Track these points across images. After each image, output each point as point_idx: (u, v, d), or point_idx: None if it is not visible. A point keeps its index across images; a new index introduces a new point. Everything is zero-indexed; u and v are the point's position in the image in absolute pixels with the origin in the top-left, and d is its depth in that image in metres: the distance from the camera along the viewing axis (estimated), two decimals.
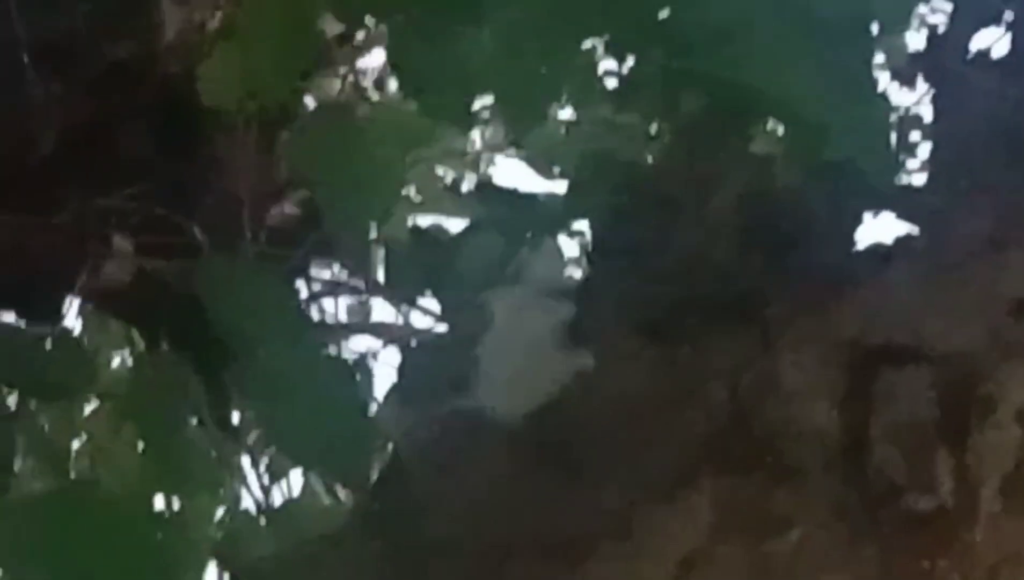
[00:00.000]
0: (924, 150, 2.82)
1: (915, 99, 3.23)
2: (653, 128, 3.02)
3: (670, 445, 1.89)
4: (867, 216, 2.12)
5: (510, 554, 1.75)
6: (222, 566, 3.14)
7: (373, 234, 2.89)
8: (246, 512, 3.60)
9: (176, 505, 3.28)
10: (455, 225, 3.33)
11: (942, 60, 2.27)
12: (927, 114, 2.83)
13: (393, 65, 2.79)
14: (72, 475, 3.53)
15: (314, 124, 2.64)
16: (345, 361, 2.79)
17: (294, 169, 3.08)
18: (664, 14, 2.24)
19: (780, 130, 2.34)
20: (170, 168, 3.20)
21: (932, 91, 2.30)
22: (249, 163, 3.09)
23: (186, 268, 2.90)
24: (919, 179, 2.30)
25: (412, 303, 3.20)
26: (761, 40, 2.13)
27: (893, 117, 2.59)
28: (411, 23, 2.54)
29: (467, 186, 4.03)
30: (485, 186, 3.51)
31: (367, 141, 2.53)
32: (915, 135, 3.13)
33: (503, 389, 2.04)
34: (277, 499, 3.56)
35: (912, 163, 2.73)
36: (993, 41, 2.28)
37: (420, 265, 2.62)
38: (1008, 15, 2.29)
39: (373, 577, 1.75)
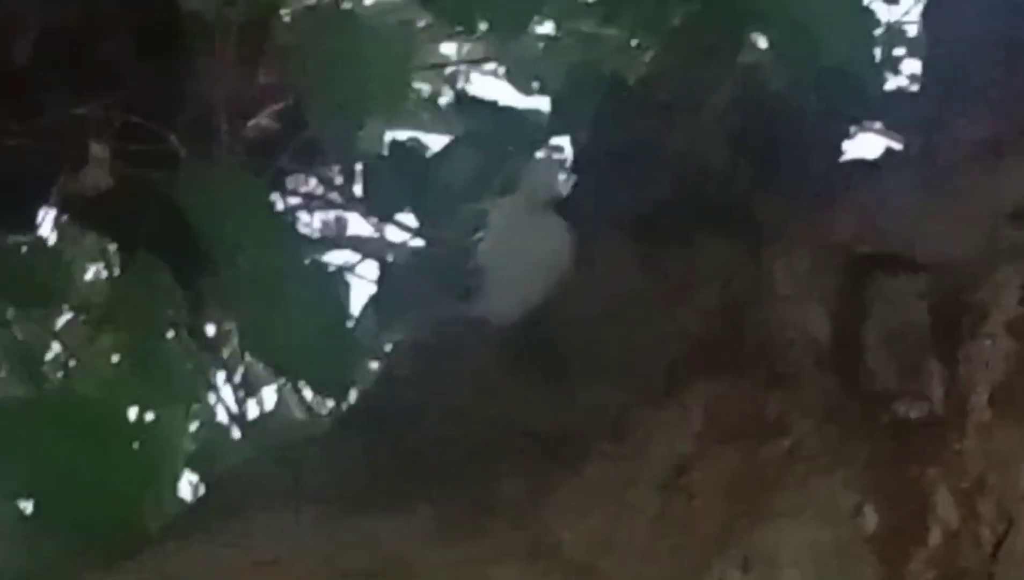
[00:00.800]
0: (908, 64, 2.81)
1: (899, 15, 3.20)
2: (635, 41, 2.99)
3: (662, 347, 1.87)
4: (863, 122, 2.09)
5: (503, 453, 1.72)
6: (197, 475, 3.13)
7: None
8: (220, 424, 3.59)
9: (150, 416, 3.25)
10: (433, 140, 3.31)
11: None
12: (911, 29, 2.82)
13: None
14: (47, 383, 3.51)
15: (308, 28, 2.58)
16: (327, 268, 2.76)
17: (280, 74, 3.05)
18: None
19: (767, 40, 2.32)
20: (149, 76, 3.15)
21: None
22: (228, 71, 3.05)
23: (164, 177, 2.87)
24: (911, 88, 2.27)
25: (390, 218, 3.17)
26: None
27: (878, 30, 2.58)
28: None
29: (445, 101, 3.99)
30: (465, 100, 3.47)
31: (366, 46, 2.49)
32: (899, 50, 3.10)
33: (498, 296, 2.02)
34: (252, 413, 3.54)
35: (902, 73, 2.70)
36: None
37: (400, 180, 2.60)
38: None
39: (358, 476, 1.72)
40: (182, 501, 2.81)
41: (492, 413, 1.83)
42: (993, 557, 1.74)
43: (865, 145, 2.11)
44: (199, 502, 2.07)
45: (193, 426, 3.55)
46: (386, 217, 2.99)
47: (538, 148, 2.84)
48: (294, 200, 3.70)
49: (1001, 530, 1.76)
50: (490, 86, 4.07)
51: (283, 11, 3.09)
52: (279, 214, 3.02)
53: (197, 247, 2.62)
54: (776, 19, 2.14)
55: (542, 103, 3.22)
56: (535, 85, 3.61)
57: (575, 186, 2.20)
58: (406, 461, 1.74)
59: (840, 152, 2.09)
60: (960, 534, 1.74)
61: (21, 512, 2.57)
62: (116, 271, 3.49)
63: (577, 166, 2.22)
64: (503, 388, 1.87)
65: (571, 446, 1.72)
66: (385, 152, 2.89)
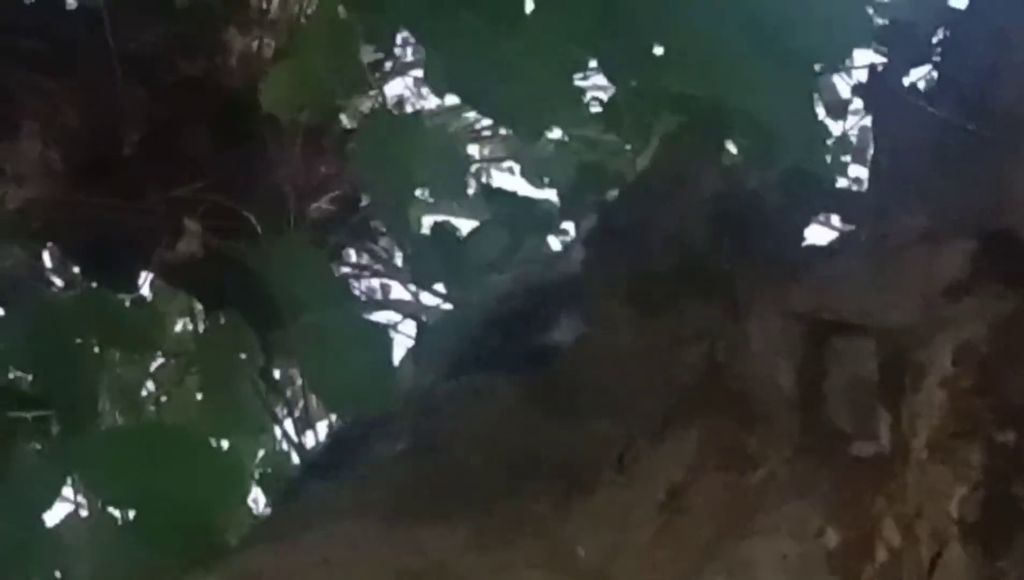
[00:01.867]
0: (851, 169, 2.80)
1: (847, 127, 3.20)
2: (628, 146, 2.98)
3: (658, 393, 1.84)
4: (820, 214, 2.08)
5: (527, 478, 1.69)
6: (264, 492, 3.12)
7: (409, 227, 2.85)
8: (283, 451, 3.58)
9: (226, 443, 3.24)
10: (462, 224, 3.31)
11: (881, 89, 2.23)
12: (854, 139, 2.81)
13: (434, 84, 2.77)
14: (143, 415, 3.50)
15: (374, 132, 2.57)
16: (376, 324, 2.74)
17: (338, 166, 3.05)
18: (658, 50, 2.19)
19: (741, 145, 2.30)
20: (232, 166, 3.16)
21: (869, 116, 2.27)
22: (297, 163, 3.06)
23: (244, 248, 2.87)
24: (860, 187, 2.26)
25: (428, 288, 3.16)
26: (733, 66, 2.09)
27: (830, 141, 2.58)
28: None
29: (471, 191, 3.98)
30: (490, 190, 3.47)
31: (423, 144, 2.48)
32: (846, 157, 3.10)
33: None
34: (309, 442, 3.54)
35: (852, 173, 2.70)
36: (922, 76, 2.25)
37: (437, 256, 2.59)
38: (935, 56, 2.27)
39: (406, 494, 1.69)
40: (253, 514, 2.79)
41: (517, 444, 1.79)
42: (929, 574, 1.71)
43: (823, 234, 2.08)
44: (274, 515, 2.03)
45: (260, 452, 3.54)
46: (424, 286, 2.97)
47: (550, 231, 2.83)
48: (348, 269, 3.69)
49: (935, 550, 1.74)
50: (506, 180, 4.07)
51: (342, 115, 3.08)
52: (336, 280, 3.00)
53: (269, 305, 2.60)
54: (748, 130, 2.11)
55: (551, 194, 3.22)
56: (545, 180, 3.61)
57: (584, 261, 2.17)
58: (446, 484, 1.70)
59: (802, 237, 2.07)
60: (902, 553, 1.72)
61: (122, 521, 2.56)
62: (201, 324, 3.48)
63: (585, 244, 2.19)
64: (526, 424, 1.84)
65: (584, 473, 1.69)
66: (425, 232, 2.88)
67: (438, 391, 1.97)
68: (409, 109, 4.28)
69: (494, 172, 4.45)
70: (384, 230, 3.25)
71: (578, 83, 2.90)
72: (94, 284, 3.27)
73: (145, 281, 3.46)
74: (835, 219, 2.25)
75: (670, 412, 1.77)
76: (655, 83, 2.24)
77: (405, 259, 3.16)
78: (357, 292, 3.94)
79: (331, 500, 1.74)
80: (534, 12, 2.41)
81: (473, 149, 4.30)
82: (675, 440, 1.71)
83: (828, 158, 2.66)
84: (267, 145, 3.16)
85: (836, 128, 3.28)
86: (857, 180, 3.08)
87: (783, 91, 2.11)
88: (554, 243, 3.14)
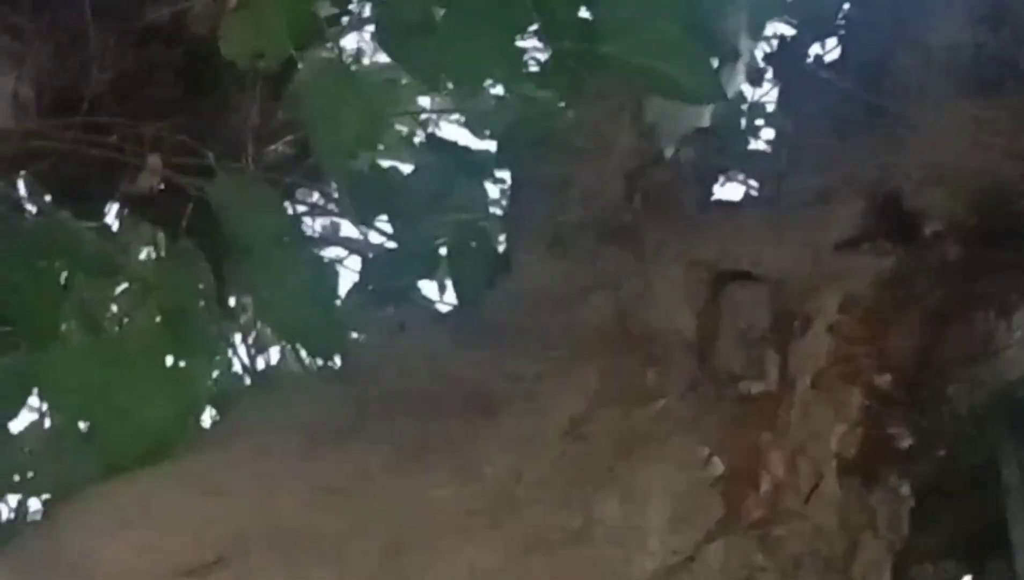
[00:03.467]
0: (766, 132, 2.81)
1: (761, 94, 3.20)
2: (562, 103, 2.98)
3: (568, 332, 1.86)
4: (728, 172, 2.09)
5: (442, 405, 1.71)
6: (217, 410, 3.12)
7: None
8: (235, 374, 3.58)
9: (183, 364, 3.23)
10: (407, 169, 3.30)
11: (789, 59, 2.25)
12: (769, 105, 2.82)
13: (380, 43, 2.76)
14: (105, 335, 3.49)
15: (314, 80, 2.56)
16: (323, 260, 2.74)
17: (292, 115, 3.04)
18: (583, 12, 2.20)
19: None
20: (195, 109, 3.15)
21: (778, 85, 2.28)
22: (254, 108, 3.05)
23: (203, 184, 2.86)
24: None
25: (370, 223, 3.16)
26: (656, 34, 2.10)
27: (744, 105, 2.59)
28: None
29: (418, 140, 3.98)
30: (432, 138, 3.48)
31: (356, 96, 2.47)
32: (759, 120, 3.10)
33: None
34: (260, 366, 3.54)
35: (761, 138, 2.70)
36: (829, 48, 2.27)
37: (378, 195, 2.60)
38: (840, 30, 2.28)
39: (335, 416, 1.71)
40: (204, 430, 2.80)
41: (436, 374, 1.81)
42: (807, 502, 1.74)
43: (729, 190, 2.10)
44: (213, 426, 2.05)
45: (215, 374, 3.53)
46: (367, 222, 2.97)
47: (486, 178, 2.84)
48: (301, 208, 3.69)
49: (814, 482, 1.77)
50: (454, 131, 4.06)
51: (300, 65, 3.07)
52: (287, 217, 3.00)
53: (225, 238, 2.61)
54: (664, 91, 2.12)
55: (491, 145, 3.21)
56: (487, 132, 3.61)
57: (509, 208, 2.19)
58: (370, 406, 1.72)
59: (710, 193, 2.08)
60: (784, 483, 1.75)
61: (80, 432, 2.56)
62: (163, 253, 3.47)
63: (512, 194, 2.21)
64: (446, 357, 1.86)
65: (496, 402, 1.71)
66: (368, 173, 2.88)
67: (369, 321, 1.99)
68: (366, 62, 4.27)
69: (443, 123, 4.44)
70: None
71: (518, 44, 2.90)
72: (64, 213, 3.26)
73: (111, 211, 3.44)
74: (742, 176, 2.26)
75: (577, 349, 1.79)
76: (585, 46, 2.24)
77: (345, 196, 3.16)
78: (309, 230, 3.94)
79: (263, 414, 1.76)
80: None
81: (424, 101, 4.29)
82: (578, 375, 1.73)
83: (743, 121, 2.67)
84: (228, 91, 3.15)
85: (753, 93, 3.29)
86: (769, 142, 3.08)
87: (694, 52, 2.12)
88: (492, 190, 3.13)
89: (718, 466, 1.65)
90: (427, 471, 1.60)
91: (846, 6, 2.32)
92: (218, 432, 1.80)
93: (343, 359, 2.11)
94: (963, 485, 2.04)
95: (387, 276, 2.64)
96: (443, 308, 2.38)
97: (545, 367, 1.75)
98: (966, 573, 2.07)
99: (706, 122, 2.27)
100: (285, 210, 3.02)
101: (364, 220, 2.94)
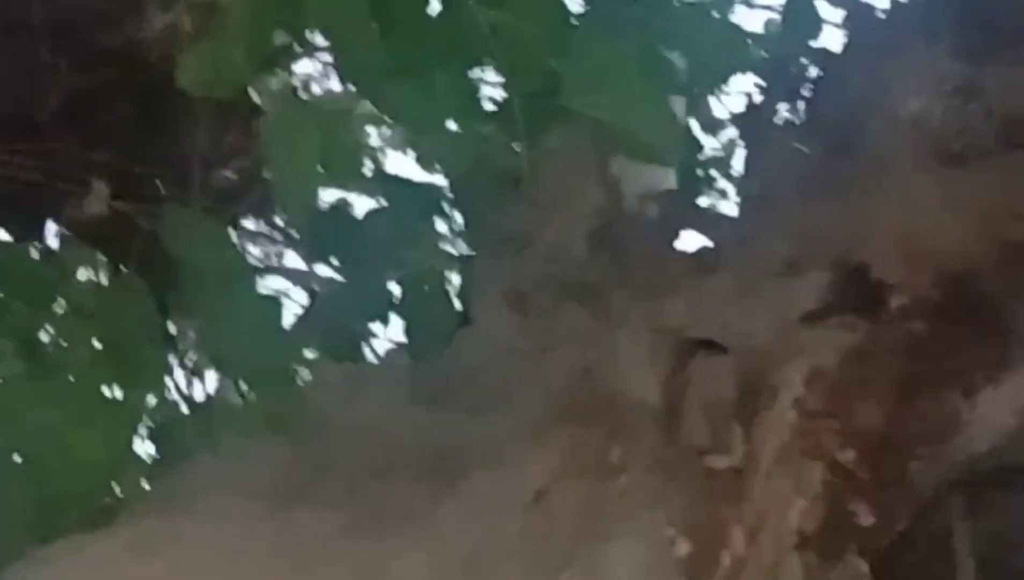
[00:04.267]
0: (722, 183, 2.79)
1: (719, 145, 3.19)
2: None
3: (531, 395, 1.83)
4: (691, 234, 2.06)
5: (402, 468, 1.67)
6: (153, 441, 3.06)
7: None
8: (174, 403, 3.52)
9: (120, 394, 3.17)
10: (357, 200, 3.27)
11: (756, 121, 2.23)
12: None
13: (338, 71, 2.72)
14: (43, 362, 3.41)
15: (275, 112, 2.51)
16: (271, 297, 2.69)
17: (244, 141, 2.99)
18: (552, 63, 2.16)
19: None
20: (144, 134, 3.10)
21: (744, 147, 2.26)
22: (206, 136, 3.01)
23: (149, 211, 2.81)
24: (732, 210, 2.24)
25: (323, 261, 3.11)
26: (624, 93, 2.07)
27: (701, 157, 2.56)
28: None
29: (367, 171, 3.93)
30: (383, 175, 3.44)
31: (317, 128, 2.42)
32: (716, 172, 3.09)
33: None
34: (199, 396, 3.48)
35: (725, 198, 2.68)
36: (794, 110, 2.25)
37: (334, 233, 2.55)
38: (806, 92, 2.26)
39: (287, 476, 1.66)
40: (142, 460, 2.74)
41: (396, 435, 1.77)
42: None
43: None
44: (169, 482, 1.98)
45: (152, 401, 3.47)
46: (319, 260, 2.92)
47: (438, 216, 2.78)
48: (247, 238, 3.64)
49: (776, 558, 1.74)
50: (402, 163, 4.02)
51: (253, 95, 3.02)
52: (233, 249, 2.94)
53: (168, 266, 2.56)
54: (631, 150, 2.09)
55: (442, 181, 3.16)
56: (437, 168, 3.56)
57: (470, 263, 2.15)
58: (329, 469, 1.67)
59: (674, 254, 2.05)
60: (746, 559, 1.72)
61: (14, 463, 2.50)
62: (104, 279, 3.41)
63: (471, 246, 2.17)
64: (406, 416, 1.82)
65: (458, 467, 1.67)
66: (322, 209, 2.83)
67: (325, 376, 1.94)
68: (316, 89, 4.22)
69: (392, 154, 4.40)
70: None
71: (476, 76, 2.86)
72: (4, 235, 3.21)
73: (52, 234, 3.38)
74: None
75: (541, 415, 1.75)
76: (548, 95, 2.21)
77: (301, 236, 3.10)
78: (252, 258, 3.88)
79: (220, 475, 1.71)
80: (438, 17, 2.38)
81: (373, 131, 4.25)
82: (543, 444, 1.69)
83: (700, 172, 2.64)
84: (179, 117, 3.10)
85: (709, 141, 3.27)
86: (723, 193, 3.07)
87: (663, 114, 2.09)
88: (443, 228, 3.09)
89: (682, 545, 1.61)
90: (387, 539, 1.55)
91: (813, 70, 2.30)
92: (168, 494, 1.74)
93: (296, 416, 2.06)
94: (916, 558, 2.02)
95: (337, 316, 2.58)
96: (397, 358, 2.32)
97: (509, 431, 1.71)
98: None
99: (672, 181, 2.24)
100: (233, 245, 2.96)
101: (318, 258, 2.88)
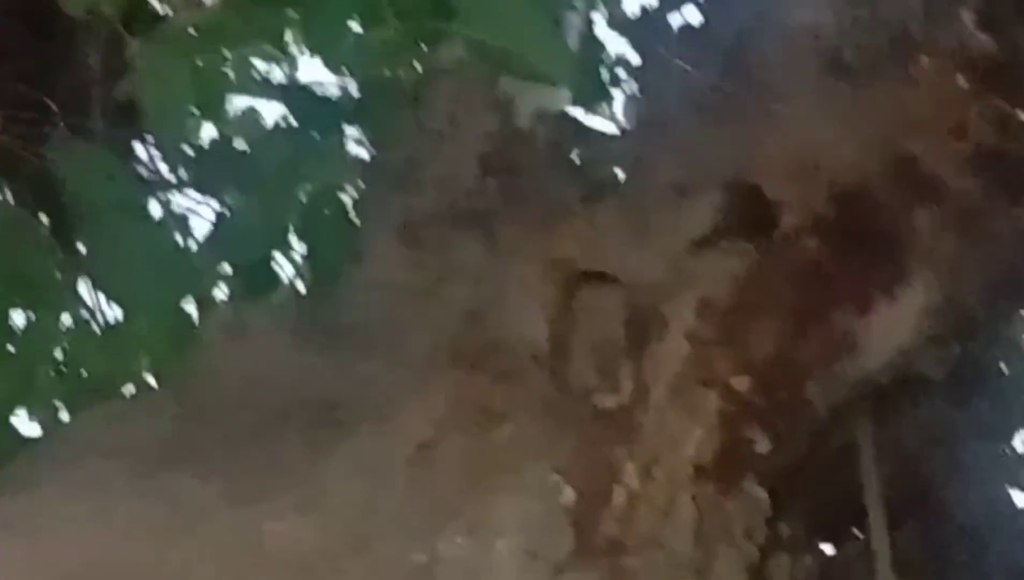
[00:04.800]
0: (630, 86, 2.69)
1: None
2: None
3: (419, 339, 1.78)
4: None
5: (285, 421, 1.62)
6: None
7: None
8: (87, 326, 3.43)
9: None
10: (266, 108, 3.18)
11: (649, 34, 2.17)
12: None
13: None
14: None
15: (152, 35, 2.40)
16: (164, 229, 2.60)
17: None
18: None
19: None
20: (34, 58, 3.00)
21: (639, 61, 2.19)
22: (97, 60, 2.91)
23: (43, 135, 2.72)
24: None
25: (214, 195, 3.02)
26: (511, 15, 1.99)
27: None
28: None
29: (277, 78, 3.81)
30: (290, 84, 3.34)
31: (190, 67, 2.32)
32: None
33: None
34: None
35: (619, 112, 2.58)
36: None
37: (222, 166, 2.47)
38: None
39: (168, 435, 1.61)
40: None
41: (281, 384, 1.72)
42: (666, 514, 1.68)
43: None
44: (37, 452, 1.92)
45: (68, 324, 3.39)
46: (210, 194, 2.85)
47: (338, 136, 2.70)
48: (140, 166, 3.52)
49: (672, 491, 1.71)
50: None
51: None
52: (132, 186, 2.86)
53: (62, 196, 2.48)
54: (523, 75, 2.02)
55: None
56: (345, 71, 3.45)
57: (361, 194, 2.09)
58: (205, 428, 1.62)
59: (569, 180, 1.99)
60: (640, 495, 1.69)
61: None
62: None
63: (364, 177, 2.11)
64: (292, 362, 1.77)
65: (344, 420, 1.62)
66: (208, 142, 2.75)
67: (206, 323, 1.88)
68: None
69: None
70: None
71: None
72: None
73: None
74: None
75: (429, 360, 1.70)
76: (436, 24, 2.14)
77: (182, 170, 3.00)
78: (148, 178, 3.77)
79: (95, 437, 1.66)
80: None
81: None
82: (427, 395, 1.64)
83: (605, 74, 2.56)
84: (69, 41, 3.00)
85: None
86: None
87: (549, 34, 2.02)
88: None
89: (569, 493, 1.58)
90: (267, 502, 1.50)
91: None
92: (36, 465, 1.68)
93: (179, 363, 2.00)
94: (819, 474, 2.00)
95: (235, 248, 2.51)
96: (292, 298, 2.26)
97: (397, 376, 1.67)
98: (824, 561, 2.04)
99: (566, 100, 2.17)
100: (129, 180, 2.87)
101: (207, 192, 2.80)
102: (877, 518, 2.04)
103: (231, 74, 3.12)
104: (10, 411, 2.52)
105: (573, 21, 2.30)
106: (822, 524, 2.08)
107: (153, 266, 2.34)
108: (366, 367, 1.74)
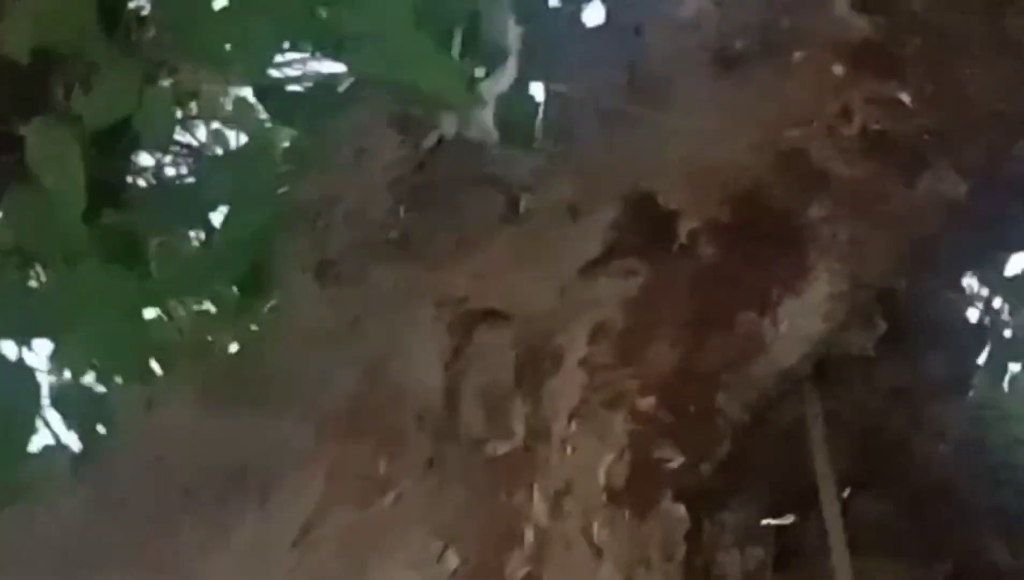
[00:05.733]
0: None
1: None
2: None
3: (325, 387, 1.79)
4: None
5: (191, 498, 1.64)
6: None
7: None
8: None
9: None
10: None
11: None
12: None
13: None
14: None
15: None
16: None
17: None
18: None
19: None
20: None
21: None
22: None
23: None
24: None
25: None
26: (398, 44, 1.99)
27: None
28: None
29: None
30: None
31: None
32: None
33: None
34: None
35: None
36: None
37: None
38: None
39: (79, 533, 1.64)
40: None
41: (191, 456, 1.74)
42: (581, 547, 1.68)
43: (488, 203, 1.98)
44: None
45: None
46: None
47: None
48: None
49: (586, 520, 1.71)
50: None
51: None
52: None
53: None
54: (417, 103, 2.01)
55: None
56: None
57: (276, 236, 2.10)
58: (115, 521, 1.65)
59: (475, 206, 1.98)
60: (550, 529, 1.69)
61: None
62: None
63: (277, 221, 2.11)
64: (203, 429, 1.79)
65: (236, 501, 1.64)
66: None
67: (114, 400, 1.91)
68: None
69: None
70: None
71: None
72: None
73: None
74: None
75: (319, 427, 1.71)
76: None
77: None
78: None
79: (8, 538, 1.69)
80: None
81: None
82: (311, 467, 1.65)
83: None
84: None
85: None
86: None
87: (443, 66, 2.01)
88: None
89: (452, 560, 1.58)
90: None
91: None
92: None
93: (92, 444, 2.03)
94: (765, 459, 1.99)
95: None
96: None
97: (291, 447, 1.68)
98: (772, 555, 2.03)
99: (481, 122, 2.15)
100: None
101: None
102: (828, 494, 2.02)
103: None
104: None
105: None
106: (772, 509, 2.06)
107: None
108: (274, 428, 1.75)
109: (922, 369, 2.17)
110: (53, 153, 2.03)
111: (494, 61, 2.14)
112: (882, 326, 1.95)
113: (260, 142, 2.83)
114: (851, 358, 1.98)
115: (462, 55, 2.12)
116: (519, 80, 2.29)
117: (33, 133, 2.05)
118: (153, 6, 2.83)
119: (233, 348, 2.25)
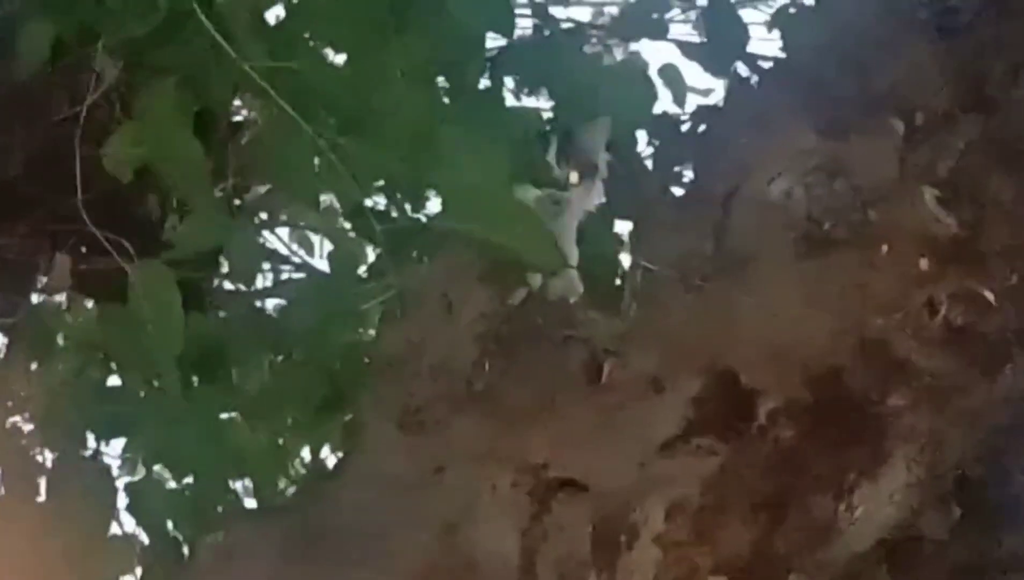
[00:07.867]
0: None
1: None
2: None
3: (403, 543, 1.81)
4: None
5: None
6: None
7: None
8: None
9: None
10: None
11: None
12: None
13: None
14: None
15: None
16: None
17: None
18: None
19: None
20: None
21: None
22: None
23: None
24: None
25: None
26: (489, 203, 2.02)
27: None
28: None
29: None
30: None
31: None
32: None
33: None
34: None
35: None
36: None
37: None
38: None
39: None
40: None
41: None
42: None
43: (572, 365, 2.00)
44: None
45: None
46: None
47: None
48: None
49: None
50: None
51: None
52: None
53: None
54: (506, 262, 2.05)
55: None
56: None
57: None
58: None
59: (559, 366, 2.00)
60: None
61: None
62: None
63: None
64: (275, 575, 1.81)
65: None
66: None
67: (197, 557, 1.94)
68: None
69: None
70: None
71: None
72: None
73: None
74: None
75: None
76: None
77: None
78: None
79: None
80: None
81: None
82: None
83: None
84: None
85: None
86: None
87: (533, 227, 2.04)
88: None
89: None
90: None
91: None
92: None
93: None
94: None
95: None
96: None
97: None
98: None
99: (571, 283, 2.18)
100: None
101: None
102: None
103: None
104: None
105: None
106: None
107: None
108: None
109: (994, 548, 2.17)
110: (155, 293, 2.07)
111: (586, 171, 2.17)
112: (957, 512, 1.95)
113: (345, 257, 2.86)
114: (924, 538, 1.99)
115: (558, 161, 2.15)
116: (603, 212, 2.31)
117: (137, 270, 2.08)
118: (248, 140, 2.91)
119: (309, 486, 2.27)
